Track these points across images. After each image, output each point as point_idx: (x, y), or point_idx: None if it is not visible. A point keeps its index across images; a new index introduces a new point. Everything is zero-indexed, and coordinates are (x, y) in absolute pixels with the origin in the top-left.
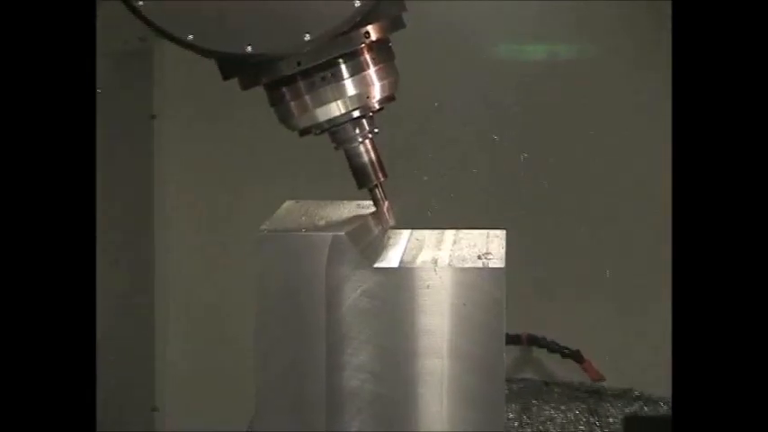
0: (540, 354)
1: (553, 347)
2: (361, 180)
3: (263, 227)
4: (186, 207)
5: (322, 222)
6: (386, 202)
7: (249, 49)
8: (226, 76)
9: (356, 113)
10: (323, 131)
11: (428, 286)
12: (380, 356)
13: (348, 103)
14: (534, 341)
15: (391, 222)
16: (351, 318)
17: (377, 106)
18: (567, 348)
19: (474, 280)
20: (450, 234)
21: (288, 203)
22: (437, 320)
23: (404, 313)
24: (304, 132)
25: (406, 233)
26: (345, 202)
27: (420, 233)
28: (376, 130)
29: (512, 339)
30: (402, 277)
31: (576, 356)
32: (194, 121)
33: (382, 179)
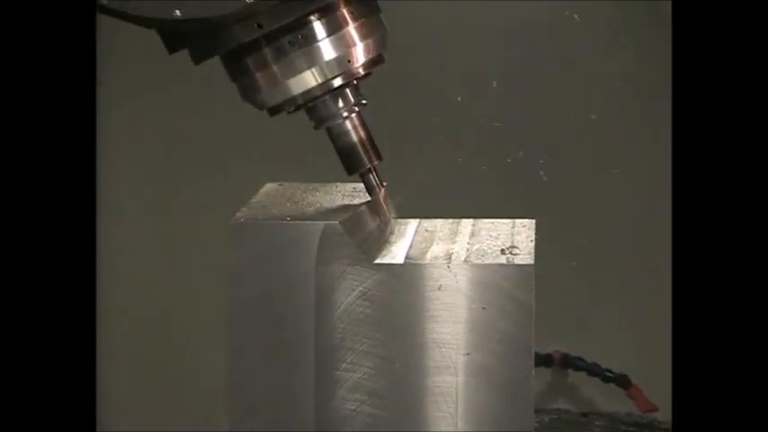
0: (576, 378)
1: (593, 370)
2: (351, 164)
3: (239, 214)
4: (135, 190)
5: (311, 209)
6: (382, 190)
7: (177, 13)
8: (171, 49)
9: (337, 82)
10: (298, 108)
11: (440, 287)
12: (381, 372)
13: (326, 70)
14: (569, 362)
15: (391, 214)
16: (346, 325)
17: (362, 71)
18: (610, 371)
19: (496, 279)
20: (467, 224)
21: (268, 186)
22: (451, 328)
23: (410, 320)
24: (274, 110)
25: (413, 223)
26: (339, 184)
27: (431, 223)
28: (364, 102)
29: (541, 360)
30: (408, 276)
31: (622, 381)
32: (146, 88)
33: (376, 162)
